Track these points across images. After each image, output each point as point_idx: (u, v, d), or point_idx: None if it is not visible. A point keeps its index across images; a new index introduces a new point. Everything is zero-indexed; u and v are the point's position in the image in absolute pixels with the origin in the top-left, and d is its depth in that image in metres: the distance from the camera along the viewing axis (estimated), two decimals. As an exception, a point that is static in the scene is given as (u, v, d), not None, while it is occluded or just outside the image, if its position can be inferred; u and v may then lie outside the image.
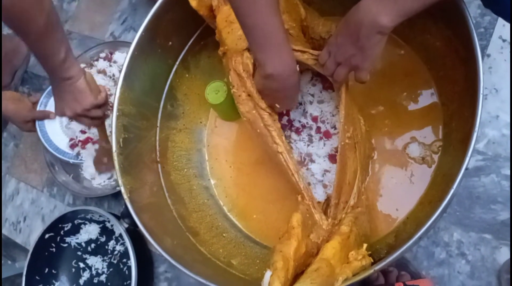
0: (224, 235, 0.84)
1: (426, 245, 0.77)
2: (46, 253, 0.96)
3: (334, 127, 0.76)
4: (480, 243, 0.74)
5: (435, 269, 0.75)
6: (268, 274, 0.49)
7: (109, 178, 1.01)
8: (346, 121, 0.69)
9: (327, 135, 0.75)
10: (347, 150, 0.70)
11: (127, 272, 0.93)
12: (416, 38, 0.78)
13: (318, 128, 0.76)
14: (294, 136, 0.78)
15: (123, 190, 0.72)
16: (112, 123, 0.76)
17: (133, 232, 0.88)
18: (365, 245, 0.61)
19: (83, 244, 0.98)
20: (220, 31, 0.74)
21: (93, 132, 0.99)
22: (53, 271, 0.97)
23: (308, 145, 0.76)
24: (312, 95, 0.77)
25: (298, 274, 0.54)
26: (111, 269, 0.96)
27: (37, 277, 0.95)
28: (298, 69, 0.65)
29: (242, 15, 0.60)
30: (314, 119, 0.76)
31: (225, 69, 0.78)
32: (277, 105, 0.70)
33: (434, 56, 0.76)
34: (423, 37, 0.76)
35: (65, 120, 1.02)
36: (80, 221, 0.97)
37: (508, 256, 0.72)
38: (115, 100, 0.76)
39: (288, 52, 0.62)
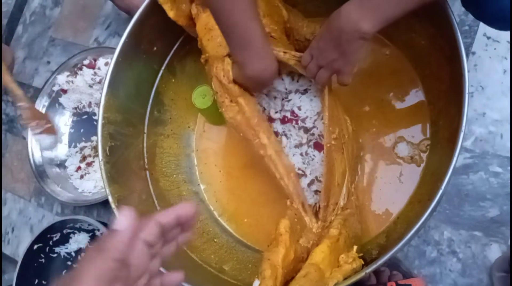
0: (215, 240, 0.84)
1: (417, 244, 0.77)
2: (35, 264, 0.95)
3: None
4: (471, 240, 0.74)
5: (426, 268, 0.75)
6: (256, 283, 0.49)
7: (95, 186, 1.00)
8: (331, 123, 0.69)
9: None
10: (333, 151, 0.69)
11: (118, 281, 0.92)
12: (401, 37, 0.78)
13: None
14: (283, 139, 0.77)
15: (111, 200, 0.71)
16: (98, 131, 0.75)
17: (123, 240, 0.87)
18: (355, 247, 0.61)
19: (73, 254, 0.97)
20: (201, 39, 0.74)
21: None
22: (43, 282, 0.96)
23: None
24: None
25: (288, 281, 0.54)
26: (102, 278, 0.94)
27: (26, 289, 0.94)
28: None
29: (220, 15, 0.60)
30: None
31: (207, 76, 0.78)
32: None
33: (419, 55, 0.76)
34: (408, 36, 0.76)
35: None
36: (69, 230, 0.95)
37: (499, 253, 0.72)
38: (100, 108, 0.75)
39: (268, 53, 0.63)
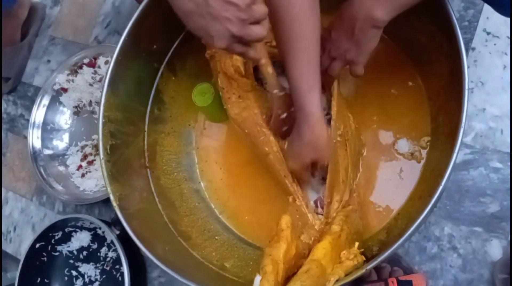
0: (216, 238, 0.84)
1: (418, 240, 0.77)
2: (38, 263, 0.95)
3: None
4: (471, 236, 0.74)
5: (427, 264, 0.76)
6: (257, 278, 0.49)
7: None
8: (337, 119, 0.69)
9: None
10: (338, 148, 0.70)
11: (120, 279, 0.92)
12: (401, 34, 0.77)
13: None
14: None
15: (112, 198, 0.71)
16: (98, 130, 0.75)
17: (125, 238, 0.87)
18: (356, 244, 0.61)
19: (75, 252, 0.97)
20: (208, 34, 0.73)
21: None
22: (45, 280, 0.96)
23: None
24: None
25: (289, 276, 0.54)
26: (104, 276, 0.95)
27: (29, 287, 0.94)
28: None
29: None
30: None
31: (212, 72, 0.78)
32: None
33: (419, 51, 0.76)
34: (408, 33, 0.76)
35: None
36: (71, 229, 0.96)
37: (499, 249, 0.72)
38: (100, 107, 0.75)
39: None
